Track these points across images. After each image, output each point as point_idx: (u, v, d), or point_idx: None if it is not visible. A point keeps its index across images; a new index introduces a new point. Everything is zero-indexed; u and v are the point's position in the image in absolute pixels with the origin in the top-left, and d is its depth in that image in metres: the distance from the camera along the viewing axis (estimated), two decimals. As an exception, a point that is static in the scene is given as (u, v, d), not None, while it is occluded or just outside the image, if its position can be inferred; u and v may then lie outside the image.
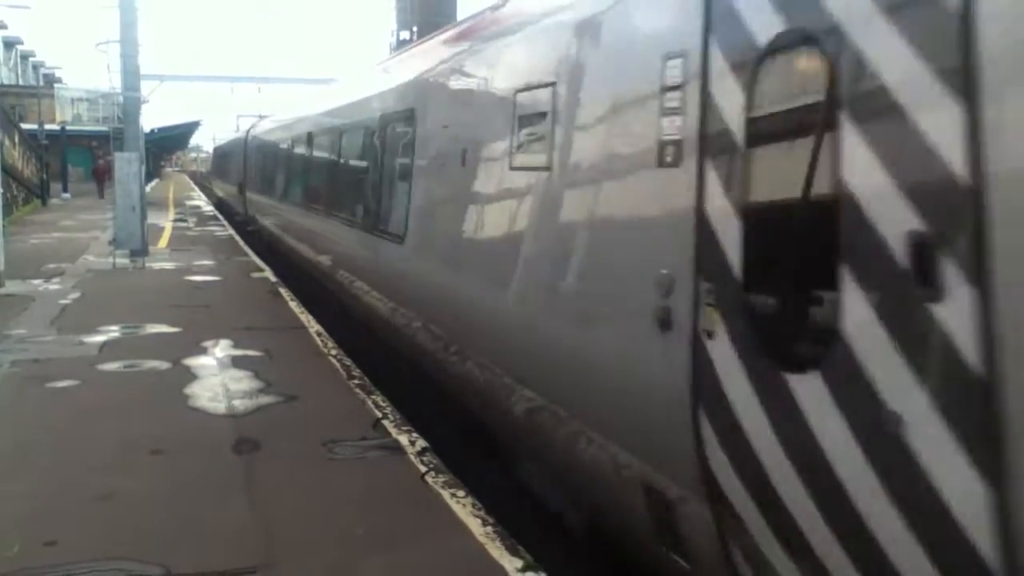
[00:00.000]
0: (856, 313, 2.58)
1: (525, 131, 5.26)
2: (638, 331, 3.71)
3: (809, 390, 2.75)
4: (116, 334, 10.04)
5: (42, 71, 78.62)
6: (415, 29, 42.56)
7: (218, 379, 8.06)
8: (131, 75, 17.95)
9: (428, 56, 8.44)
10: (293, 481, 5.65)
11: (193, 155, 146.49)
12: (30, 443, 6.30)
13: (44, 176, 37.21)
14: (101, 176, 41.28)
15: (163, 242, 21.06)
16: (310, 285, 13.91)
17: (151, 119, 64.31)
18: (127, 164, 17.06)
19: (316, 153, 13.76)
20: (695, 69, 3.46)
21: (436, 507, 5.29)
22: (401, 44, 40.16)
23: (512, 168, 5.46)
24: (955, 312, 2.26)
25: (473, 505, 5.29)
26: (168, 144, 76.95)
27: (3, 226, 14.57)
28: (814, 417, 2.73)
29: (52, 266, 15.93)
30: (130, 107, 18.23)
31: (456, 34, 8.01)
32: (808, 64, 2.91)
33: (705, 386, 3.28)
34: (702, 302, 3.31)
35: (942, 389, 2.31)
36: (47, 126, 38.78)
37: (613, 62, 4.23)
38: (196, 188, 62.07)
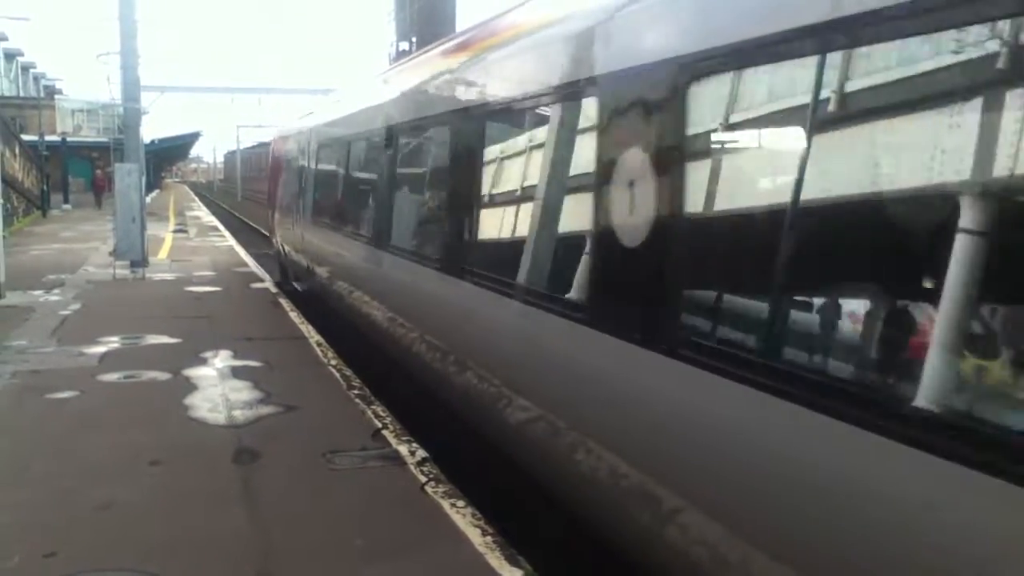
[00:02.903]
0: None
1: None
2: None
3: None
4: (116, 345, 10.04)
5: (43, 82, 78.80)
6: (414, 40, 42.73)
7: (218, 390, 8.06)
8: (131, 86, 17.98)
9: None
10: (292, 492, 5.65)
11: (193, 166, 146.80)
12: (29, 454, 6.30)
13: (45, 187, 37.29)
14: (99, 187, 41.33)
15: (163, 253, 21.08)
16: None
17: (151, 130, 64.62)
18: (127, 175, 17.06)
19: None
20: None
21: (436, 517, 5.29)
22: (400, 55, 40.28)
23: None
24: None
25: (473, 515, 5.29)
26: (168, 155, 77.22)
27: (3, 237, 14.58)
28: None
29: (52, 277, 15.95)
30: (130, 118, 18.25)
31: None
32: None
33: None
34: None
35: None
36: (48, 137, 38.86)
37: None
38: (196, 199, 62.16)
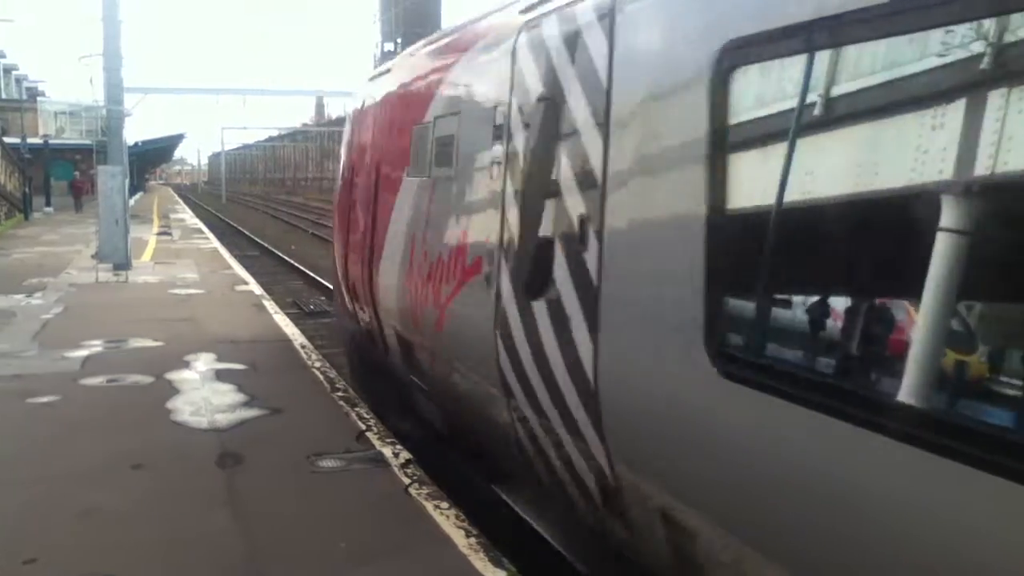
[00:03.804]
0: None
1: None
2: None
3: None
4: (99, 348, 9.98)
5: (25, 84, 78.22)
6: (399, 41, 42.80)
7: (201, 393, 8.03)
8: (114, 88, 17.91)
9: None
10: (276, 494, 5.63)
11: (177, 168, 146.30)
12: (11, 459, 6.25)
13: (27, 190, 37.01)
14: (79, 190, 41.19)
15: (147, 255, 20.97)
16: None
17: (135, 132, 64.31)
18: (110, 178, 17.00)
19: None
20: None
21: (420, 519, 5.28)
22: (386, 56, 40.27)
23: None
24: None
25: (457, 516, 5.29)
26: (152, 157, 76.84)
27: (-15, 241, 14.49)
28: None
29: (35, 280, 15.84)
30: (113, 120, 18.19)
31: None
32: None
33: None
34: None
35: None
36: (30, 140, 38.61)
37: None
38: (181, 201, 61.89)
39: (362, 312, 8.23)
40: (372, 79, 9.17)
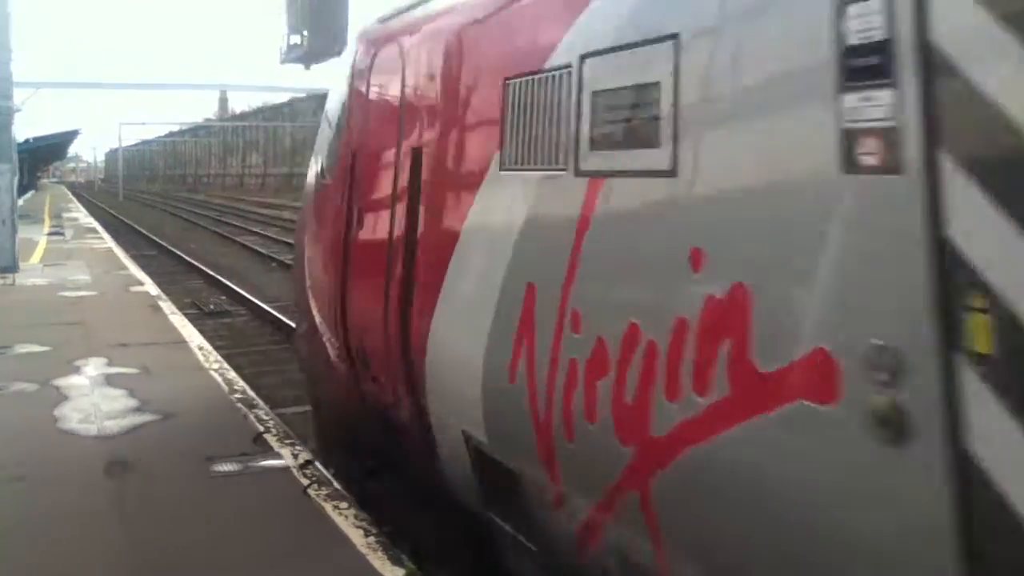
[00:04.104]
0: None
1: None
2: None
3: None
4: (-20, 356, 9.50)
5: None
6: (305, 33, 41.97)
7: (90, 399, 7.71)
8: (3, 82, 17.20)
9: None
10: (169, 502, 5.45)
11: (72, 165, 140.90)
12: None
13: (-95, 190, 35.00)
14: None
15: (36, 257, 20.08)
16: None
17: (26, 129, 61.50)
18: (-3, 176, 16.27)
19: None
20: None
21: (318, 520, 5.20)
22: (292, 49, 39.47)
23: None
24: None
25: (356, 516, 5.23)
26: (45, 154, 73.65)
27: None
28: None
29: (-89, 285, 14.99)
30: (1, 116, 17.42)
31: None
32: None
33: None
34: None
35: None
36: (-93, 136, 36.49)
37: None
38: (75, 200, 59.56)
39: (374, 384, 5.44)
40: (387, 20, 5.92)
